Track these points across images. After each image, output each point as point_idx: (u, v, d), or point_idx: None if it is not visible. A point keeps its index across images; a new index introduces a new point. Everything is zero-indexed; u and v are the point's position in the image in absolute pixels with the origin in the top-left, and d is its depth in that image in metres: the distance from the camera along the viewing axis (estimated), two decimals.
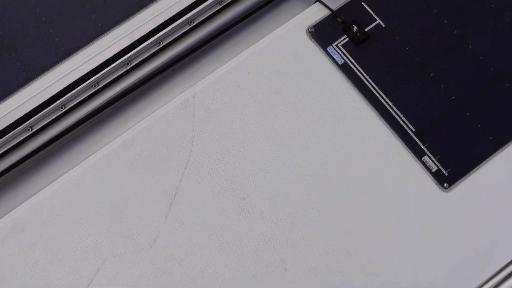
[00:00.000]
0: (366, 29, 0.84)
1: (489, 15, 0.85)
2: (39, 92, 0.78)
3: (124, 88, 0.80)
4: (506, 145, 0.77)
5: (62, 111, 0.78)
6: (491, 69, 0.82)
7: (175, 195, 0.74)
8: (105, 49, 0.80)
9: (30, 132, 0.77)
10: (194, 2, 0.81)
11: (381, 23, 0.85)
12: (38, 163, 0.80)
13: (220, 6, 0.83)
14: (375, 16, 0.85)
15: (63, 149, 0.81)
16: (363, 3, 0.85)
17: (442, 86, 0.81)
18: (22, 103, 0.77)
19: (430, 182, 0.75)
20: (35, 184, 0.78)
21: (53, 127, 0.78)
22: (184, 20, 0.81)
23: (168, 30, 0.81)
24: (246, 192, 0.75)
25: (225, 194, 0.75)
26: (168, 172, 0.75)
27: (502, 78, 0.81)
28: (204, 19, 0.82)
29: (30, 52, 0.84)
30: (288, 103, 0.80)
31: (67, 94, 0.78)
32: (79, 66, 0.79)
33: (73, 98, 0.78)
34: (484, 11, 0.85)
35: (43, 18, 0.86)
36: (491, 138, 0.78)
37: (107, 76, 0.79)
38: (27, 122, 0.77)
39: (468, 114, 0.79)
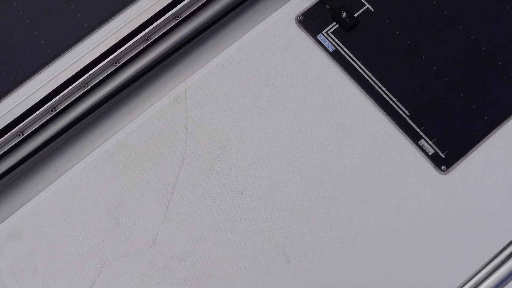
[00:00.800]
0: (355, 15, 0.83)
1: None
2: (28, 96, 0.76)
3: (114, 87, 0.78)
4: (501, 124, 0.77)
5: (53, 114, 0.76)
6: (483, 48, 0.81)
7: (172, 192, 0.74)
8: (93, 48, 0.78)
9: (21, 137, 0.75)
10: None
11: (370, 7, 0.84)
12: (31, 168, 0.79)
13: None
14: (364, 1, 0.84)
15: (56, 152, 0.79)
16: None
17: (434, 68, 0.80)
18: (11, 109, 0.76)
19: (428, 166, 0.75)
20: (30, 190, 0.77)
21: (45, 131, 0.77)
22: (171, 15, 0.80)
23: (155, 26, 0.79)
24: (244, 186, 0.74)
25: (223, 189, 0.74)
26: (164, 170, 0.75)
27: (494, 56, 0.81)
28: (190, 13, 0.81)
29: (16, 56, 0.82)
30: (281, 94, 0.79)
31: (56, 96, 0.77)
32: (67, 67, 0.78)
33: (63, 100, 0.77)
34: None
35: (27, 21, 0.85)
36: (486, 118, 0.78)
37: (96, 76, 0.78)
38: (18, 127, 0.75)
39: (462, 95, 0.79)
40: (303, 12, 0.84)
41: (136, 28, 0.79)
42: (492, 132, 0.77)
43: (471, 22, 0.83)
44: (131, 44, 0.78)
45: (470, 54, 0.81)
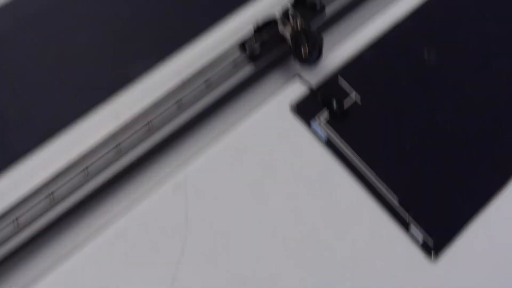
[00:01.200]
0: (344, 104, 0.89)
1: (451, 88, 0.92)
2: (23, 181, 0.74)
3: (114, 173, 0.78)
4: (483, 208, 0.82)
5: (52, 201, 0.74)
6: (459, 137, 0.89)
7: (171, 285, 0.72)
8: (92, 132, 0.78)
9: (16, 225, 0.72)
10: (181, 84, 0.83)
11: (358, 97, 0.90)
12: (22, 258, 0.75)
13: (206, 87, 0.84)
14: (352, 91, 0.90)
15: (49, 242, 0.76)
16: (339, 78, 0.91)
17: (418, 158, 0.86)
18: (5, 194, 0.73)
19: (417, 254, 0.78)
20: (21, 284, 0.73)
21: (41, 219, 0.74)
22: (172, 101, 0.82)
23: (157, 112, 0.81)
24: (244, 280, 0.74)
25: (223, 282, 0.73)
26: (163, 261, 0.73)
27: (469, 145, 0.88)
28: (191, 100, 0.83)
29: (10, 136, 0.81)
30: (279, 183, 0.81)
31: (54, 181, 0.75)
32: (65, 150, 0.77)
33: (62, 186, 0.75)
34: (445, 85, 0.93)
35: (22, 100, 0.85)
36: (468, 204, 0.83)
37: (97, 161, 0.77)
38: (12, 215, 0.72)
39: (444, 182, 0.85)
40: (297, 100, 0.88)
41: (137, 112, 0.80)
42: (475, 216, 0.82)
43: (448, 114, 0.90)
44: (133, 131, 0.79)
45: (450, 144, 0.88)
